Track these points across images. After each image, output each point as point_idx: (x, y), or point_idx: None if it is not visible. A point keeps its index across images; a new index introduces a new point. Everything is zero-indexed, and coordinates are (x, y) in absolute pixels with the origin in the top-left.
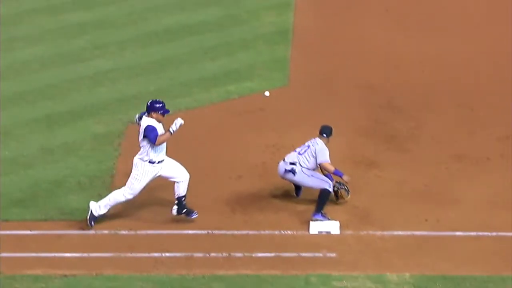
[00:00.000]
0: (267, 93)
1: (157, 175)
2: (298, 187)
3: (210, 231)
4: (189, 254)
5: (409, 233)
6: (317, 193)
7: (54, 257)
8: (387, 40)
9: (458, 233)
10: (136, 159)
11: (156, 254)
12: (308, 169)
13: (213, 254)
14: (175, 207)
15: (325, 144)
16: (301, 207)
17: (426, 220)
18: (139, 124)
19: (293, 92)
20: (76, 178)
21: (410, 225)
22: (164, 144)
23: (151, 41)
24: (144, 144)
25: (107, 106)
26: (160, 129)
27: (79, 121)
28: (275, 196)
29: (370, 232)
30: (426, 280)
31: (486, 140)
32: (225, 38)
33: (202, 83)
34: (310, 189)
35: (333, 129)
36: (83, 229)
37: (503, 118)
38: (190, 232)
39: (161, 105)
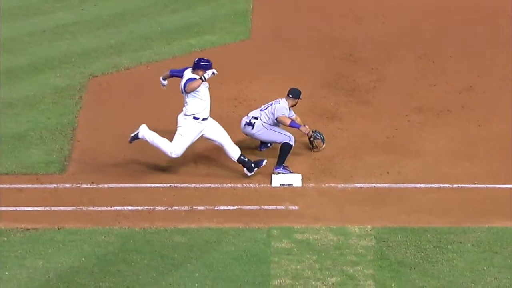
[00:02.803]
0: None
1: (201, 132)
2: (263, 142)
3: (172, 185)
4: (151, 207)
5: (370, 185)
6: (279, 147)
7: (16, 210)
8: None
9: (419, 185)
10: (180, 117)
11: (118, 208)
12: (268, 124)
13: (175, 208)
14: (244, 169)
15: (291, 105)
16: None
17: (388, 172)
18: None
19: (254, 45)
20: (37, 132)
21: (371, 177)
22: (208, 102)
23: None
24: (187, 99)
25: (68, 59)
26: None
27: (40, 75)
28: None
29: (332, 184)
30: (387, 232)
31: (447, 92)
32: None
33: (163, 36)
34: (273, 143)
35: (301, 92)
36: (44, 183)
37: (464, 70)
38: (153, 185)
39: (208, 63)
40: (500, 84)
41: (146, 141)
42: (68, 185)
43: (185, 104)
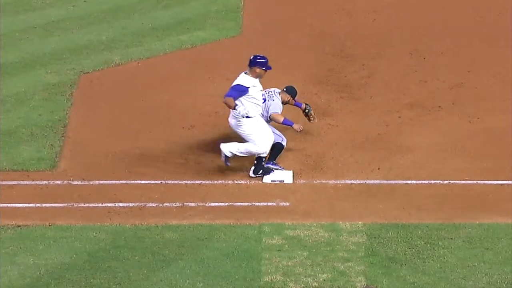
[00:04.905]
0: None
1: (260, 120)
2: None
3: (163, 181)
4: (143, 204)
5: (361, 181)
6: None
7: (7, 207)
8: None
9: (410, 181)
10: (232, 121)
11: (109, 204)
12: None
13: (166, 204)
14: (252, 167)
15: (283, 100)
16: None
17: (379, 168)
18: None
19: (246, 41)
20: (28, 129)
21: (363, 173)
22: (259, 105)
23: None
24: (240, 100)
25: (59, 56)
26: (255, 88)
27: (31, 71)
28: None
29: (323, 181)
30: (378, 228)
31: (438, 88)
32: None
33: (154, 32)
34: None
35: (297, 93)
36: (35, 179)
37: (455, 66)
38: (144, 182)
39: (264, 60)
40: (491, 80)
41: (235, 155)
42: (59, 182)
43: (239, 106)
